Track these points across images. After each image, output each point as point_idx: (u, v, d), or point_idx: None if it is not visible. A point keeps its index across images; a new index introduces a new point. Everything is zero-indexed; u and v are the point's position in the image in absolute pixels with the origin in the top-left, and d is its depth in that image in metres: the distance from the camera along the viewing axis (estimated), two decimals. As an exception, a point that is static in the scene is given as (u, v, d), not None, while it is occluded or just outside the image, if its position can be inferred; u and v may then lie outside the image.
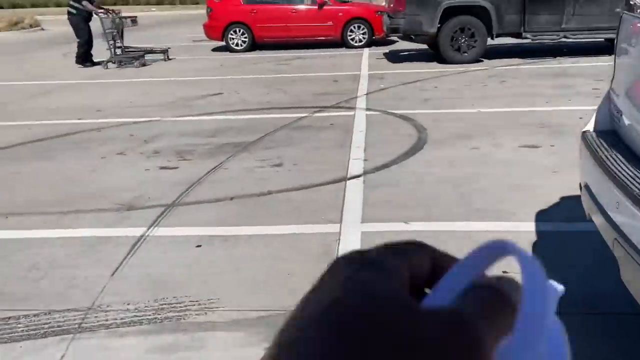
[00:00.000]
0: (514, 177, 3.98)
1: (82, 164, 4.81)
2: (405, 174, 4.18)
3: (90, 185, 4.25)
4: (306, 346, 0.21)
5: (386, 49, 12.02)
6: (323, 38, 12.49)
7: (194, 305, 2.54)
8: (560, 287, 0.25)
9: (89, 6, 10.84)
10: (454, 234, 3.15)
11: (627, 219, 1.82)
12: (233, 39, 12.55)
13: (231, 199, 3.83)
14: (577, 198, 2.46)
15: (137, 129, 5.98)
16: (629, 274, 1.78)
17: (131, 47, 11.31)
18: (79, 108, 7.19)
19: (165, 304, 2.56)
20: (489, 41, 9.57)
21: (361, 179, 4.11)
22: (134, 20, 11.54)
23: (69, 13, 10.98)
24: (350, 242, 3.08)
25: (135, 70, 10.38)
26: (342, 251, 2.96)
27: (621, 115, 2.31)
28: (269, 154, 4.84)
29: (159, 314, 2.48)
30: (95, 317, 2.46)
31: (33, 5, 42.98)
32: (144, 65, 10.78)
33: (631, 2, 2.32)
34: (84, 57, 11.05)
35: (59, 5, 43.31)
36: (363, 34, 12.41)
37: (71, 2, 10.87)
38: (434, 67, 9.26)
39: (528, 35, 9.35)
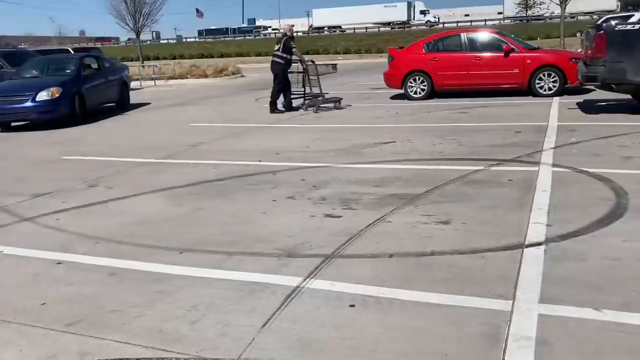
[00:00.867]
0: None
1: (255, 205, 5.00)
2: (599, 247, 3.54)
3: (258, 228, 4.37)
4: None
5: (580, 99, 10.90)
6: (508, 86, 11.81)
7: (338, 375, 2.34)
8: None
9: (299, 55, 11.78)
10: (663, 333, 2.50)
11: None
12: (412, 86, 12.52)
13: (390, 256, 3.60)
14: None
15: (309, 173, 6.11)
16: None
17: (313, 93, 11.93)
18: (261, 150, 7.65)
19: (308, 369, 2.40)
20: None
21: (542, 247, 3.57)
22: (334, 66, 12.21)
23: (275, 63, 11.71)
24: (524, 326, 2.62)
25: (314, 117, 10.87)
26: (513, 336, 2.54)
27: None
28: (436, 209, 4.52)
29: (301, 379, 2.32)
30: (238, 372, 2.39)
31: (237, 55, 48.59)
32: (339, 108, 11.55)
33: None
34: (289, 103, 11.77)
35: (258, 54, 48.41)
36: (554, 81, 11.45)
37: (278, 53, 11.64)
38: (638, 121, 8.08)
39: None
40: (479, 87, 12.05)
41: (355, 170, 6.16)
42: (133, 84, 21.97)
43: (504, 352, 2.44)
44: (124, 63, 23.95)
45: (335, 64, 12.59)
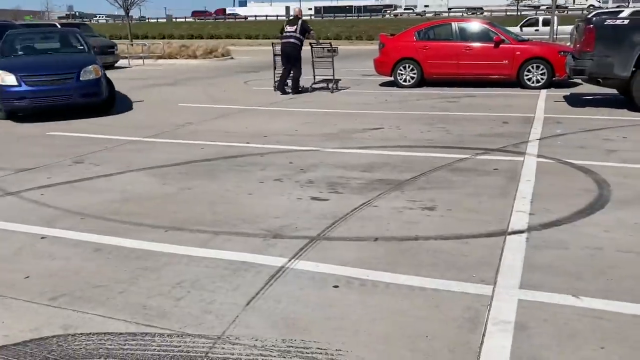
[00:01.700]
0: None
1: (242, 186, 5.00)
2: (580, 235, 3.61)
3: (244, 208, 4.38)
4: None
5: (567, 92, 11.00)
6: (496, 77, 11.86)
7: (321, 354, 2.37)
8: None
9: (315, 36, 12.33)
10: None
11: None
12: (402, 74, 12.52)
13: (375, 239, 3.63)
14: None
15: (297, 157, 6.11)
16: None
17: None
18: (249, 133, 7.63)
19: (292, 347, 2.43)
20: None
21: (524, 235, 3.63)
22: (335, 50, 12.29)
23: (290, 44, 11.64)
24: (503, 310, 2.68)
25: (303, 101, 10.84)
26: (492, 320, 2.59)
27: None
28: (422, 195, 4.56)
29: (285, 357, 2.35)
30: (223, 348, 2.42)
31: (227, 37, 48.01)
32: (334, 91, 12.00)
33: None
34: (295, 85, 11.90)
35: (248, 37, 47.92)
36: (542, 74, 11.52)
37: (295, 34, 11.61)
38: (623, 115, 8.19)
39: None
40: (468, 77, 12.09)
41: (343, 154, 6.17)
42: (121, 62, 21.73)
43: (483, 335, 2.49)
44: (113, 41, 23.60)
45: (337, 47, 12.67)
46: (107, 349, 2.43)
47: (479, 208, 4.23)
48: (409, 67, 12.44)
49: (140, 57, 23.20)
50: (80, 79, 8.98)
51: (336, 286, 2.99)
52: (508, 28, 15.21)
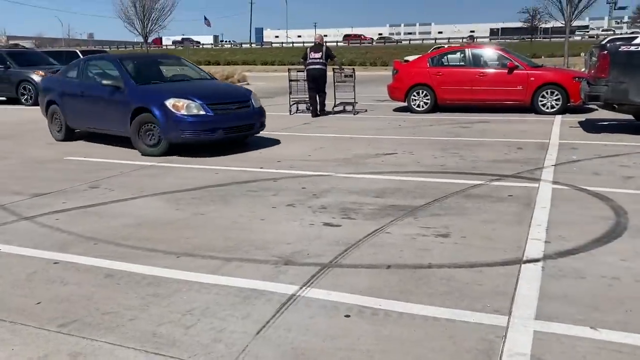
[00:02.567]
0: None
1: (254, 211, 5.00)
2: (597, 265, 3.53)
3: (257, 234, 4.36)
4: None
5: (582, 117, 10.92)
6: (511, 103, 11.84)
7: (331, 385, 2.32)
8: None
9: (338, 62, 13.27)
10: (659, 354, 2.49)
11: None
12: (415, 100, 12.56)
13: (388, 267, 3.59)
14: None
15: (310, 182, 6.11)
16: None
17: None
18: (263, 158, 7.66)
19: (301, 377, 2.39)
20: None
21: (540, 264, 3.56)
22: (351, 75, 12.69)
23: (318, 70, 12.14)
24: (519, 342, 2.61)
25: (317, 126, 10.90)
26: (508, 352, 2.52)
27: None
28: (436, 222, 4.52)
29: (293, 388, 2.31)
30: (231, 378, 2.38)
31: (244, 63, 48.75)
32: (356, 113, 12.56)
33: None
34: (322, 107, 12.44)
35: (264, 63, 48.62)
36: (556, 100, 11.48)
37: (321, 60, 12.20)
38: (639, 141, 8.09)
39: None
40: (482, 103, 12.09)
41: (356, 180, 6.16)
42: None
43: (499, 367, 2.43)
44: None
45: (353, 69, 13.23)
46: (115, 377, 2.41)
47: (493, 235, 4.17)
48: (422, 92, 12.49)
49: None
50: (255, 106, 8.38)
51: (348, 315, 2.95)
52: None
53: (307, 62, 12.31)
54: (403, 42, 73.41)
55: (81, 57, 20.11)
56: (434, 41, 66.42)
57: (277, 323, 2.88)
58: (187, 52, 66.39)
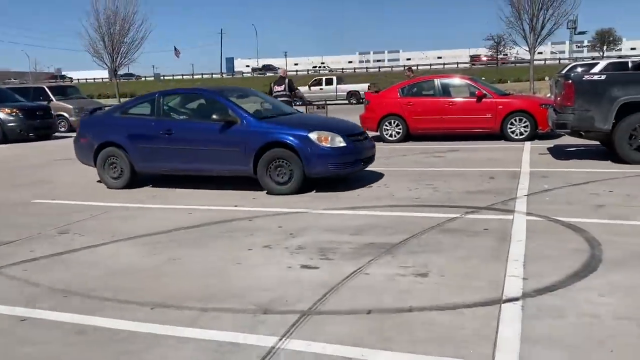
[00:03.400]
0: None
1: (230, 254, 4.91)
2: (575, 302, 3.54)
3: (233, 280, 4.27)
4: None
5: (550, 143, 11.18)
6: (480, 130, 12.07)
7: None
8: None
9: (301, 93, 13.95)
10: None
11: None
12: (387, 129, 12.71)
13: (368, 312, 3.54)
14: None
15: (285, 220, 6.06)
16: None
17: None
18: (238, 194, 7.59)
19: None
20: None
21: (519, 303, 3.56)
22: (323, 107, 13.02)
23: (283, 102, 12.11)
24: (504, 391, 2.58)
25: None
26: (494, 403, 2.48)
27: None
28: (414, 260, 4.50)
29: None
30: None
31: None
32: None
33: None
34: None
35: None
36: (525, 127, 11.75)
37: (285, 92, 12.79)
38: (607, 167, 8.29)
39: None
40: (453, 131, 12.30)
41: (332, 216, 6.13)
42: (108, 122, 21.81)
43: (485, 420, 2.38)
44: (100, 102, 23.72)
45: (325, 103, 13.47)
46: None
47: (471, 273, 4.17)
48: (394, 122, 12.65)
49: (128, 117, 23.33)
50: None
51: (329, 368, 2.88)
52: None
53: (273, 95, 12.55)
54: (371, 69, 74.69)
55: (49, 92, 19.91)
56: (402, 68, 67.74)
57: (258, 380, 2.79)
58: (157, 84, 66.19)
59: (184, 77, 79.72)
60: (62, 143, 16.18)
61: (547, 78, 39.49)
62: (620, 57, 49.29)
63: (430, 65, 74.76)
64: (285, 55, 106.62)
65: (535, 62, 30.56)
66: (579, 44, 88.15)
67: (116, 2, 30.99)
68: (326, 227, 5.70)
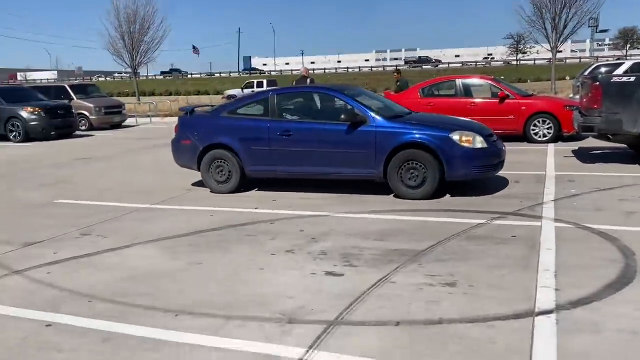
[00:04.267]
0: None
1: (253, 260, 4.86)
2: (612, 316, 3.42)
3: (257, 287, 4.22)
4: None
5: (575, 146, 10.97)
6: (502, 132, 11.85)
7: None
8: None
9: None
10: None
11: None
12: (408, 130, 12.56)
13: (397, 324, 3.46)
14: None
15: (307, 223, 5.99)
16: None
17: None
18: (258, 196, 7.56)
19: None
20: None
21: (553, 316, 3.45)
22: None
23: None
24: (543, 412, 2.48)
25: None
26: None
27: None
28: (441, 268, 4.40)
29: None
30: None
31: (233, 92, 48.90)
32: None
33: None
34: None
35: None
36: (548, 128, 11.54)
37: None
38: (635, 171, 8.09)
39: None
40: (475, 132, 12.10)
41: (355, 220, 6.05)
42: (128, 121, 22.01)
43: None
44: (120, 100, 23.90)
45: None
46: None
47: (501, 283, 4.06)
48: (414, 123, 12.48)
49: (148, 116, 23.52)
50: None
51: (359, 383, 2.81)
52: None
53: None
54: (388, 68, 74.34)
55: (70, 91, 20.11)
56: (417, 66, 67.17)
57: (286, 394, 2.73)
58: (175, 82, 66.65)
59: (202, 75, 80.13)
60: (83, 142, 16.34)
61: (567, 77, 38.91)
62: (644, 56, 48.35)
63: (449, 63, 74.20)
64: (302, 53, 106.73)
65: (556, 62, 30.04)
66: (599, 42, 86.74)
67: (136, 2, 31.17)
68: (348, 231, 5.62)
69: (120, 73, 74.89)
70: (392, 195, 7.18)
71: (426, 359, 3.01)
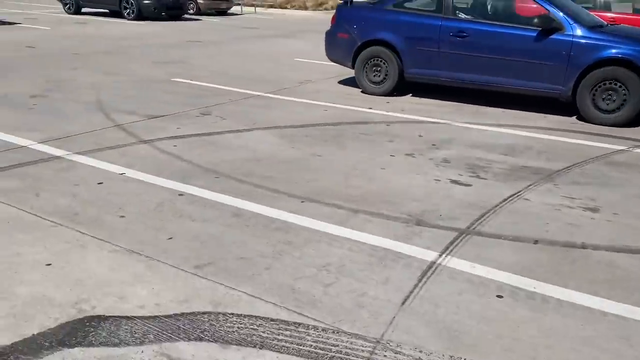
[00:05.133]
0: None
1: (373, 158, 4.73)
2: None
3: (379, 184, 4.11)
4: None
5: None
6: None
7: (496, 380, 2.08)
8: None
9: None
10: None
11: None
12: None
13: (535, 242, 3.24)
14: None
15: (424, 129, 5.72)
16: None
17: None
18: (371, 97, 7.30)
19: (459, 364, 2.16)
20: None
21: None
22: None
23: None
24: None
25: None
26: None
27: None
28: (579, 191, 4.05)
29: (453, 377, 2.09)
30: (385, 355, 2.19)
31: (336, -11, 47.15)
32: None
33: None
34: None
35: None
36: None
37: None
38: None
39: None
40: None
41: (477, 132, 5.69)
42: (233, 9, 21.90)
43: (693, 387, 2.09)
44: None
45: None
46: (260, 336, 2.29)
47: (651, 216, 3.68)
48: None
49: (252, 5, 23.25)
50: None
51: (500, 296, 2.67)
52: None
53: None
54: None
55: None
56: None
57: (422, 294, 2.65)
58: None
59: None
60: (192, 25, 16.50)
61: None
62: None
63: None
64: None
65: None
66: None
67: None
68: (471, 142, 5.30)
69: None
70: (504, 109, 6.67)
71: (572, 281, 2.80)
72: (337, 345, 2.24)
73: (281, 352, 2.19)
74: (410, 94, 7.49)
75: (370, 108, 6.63)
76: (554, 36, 6.20)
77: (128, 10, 17.04)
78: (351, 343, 2.26)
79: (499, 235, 3.31)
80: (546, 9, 6.32)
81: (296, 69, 9.34)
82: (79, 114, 5.80)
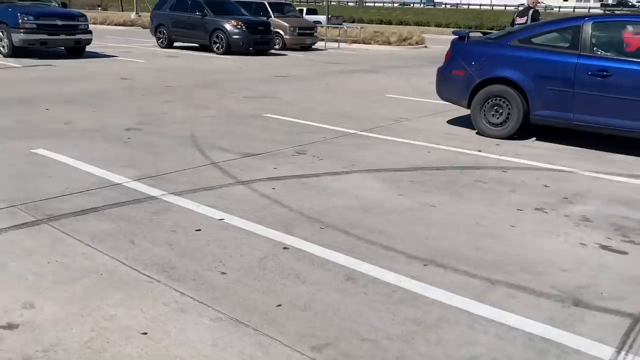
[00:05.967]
0: None
1: (496, 212, 4.11)
2: None
3: (514, 247, 3.48)
4: None
5: None
6: None
7: None
8: None
9: None
10: None
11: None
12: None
13: None
14: None
15: (549, 178, 5.03)
16: None
17: None
18: (477, 137, 6.70)
19: None
20: None
21: None
22: None
23: None
24: None
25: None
26: None
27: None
28: None
29: None
30: None
31: (416, 24, 46.92)
32: None
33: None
34: None
35: (438, 25, 46.34)
36: None
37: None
38: None
39: None
40: None
41: (610, 183, 4.93)
42: (317, 44, 22.02)
43: None
44: (314, 22, 23.83)
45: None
46: None
47: None
48: None
49: (336, 40, 23.30)
50: None
51: None
52: None
53: None
54: (592, 9, 65.12)
55: (269, 9, 20.42)
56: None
57: (613, 414, 2.00)
58: (359, 11, 66.02)
59: (385, 4, 78.26)
60: (278, 60, 16.58)
61: None
62: None
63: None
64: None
65: None
66: None
67: None
68: (609, 196, 4.56)
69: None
70: (636, 156, 5.83)
71: None
72: None
73: None
74: (534, 138, 6.72)
75: (480, 151, 6.02)
76: None
77: (217, 45, 17.40)
78: None
79: (690, 328, 2.59)
80: None
81: (388, 105, 8.89)
82: (173, 150, 5.59)
